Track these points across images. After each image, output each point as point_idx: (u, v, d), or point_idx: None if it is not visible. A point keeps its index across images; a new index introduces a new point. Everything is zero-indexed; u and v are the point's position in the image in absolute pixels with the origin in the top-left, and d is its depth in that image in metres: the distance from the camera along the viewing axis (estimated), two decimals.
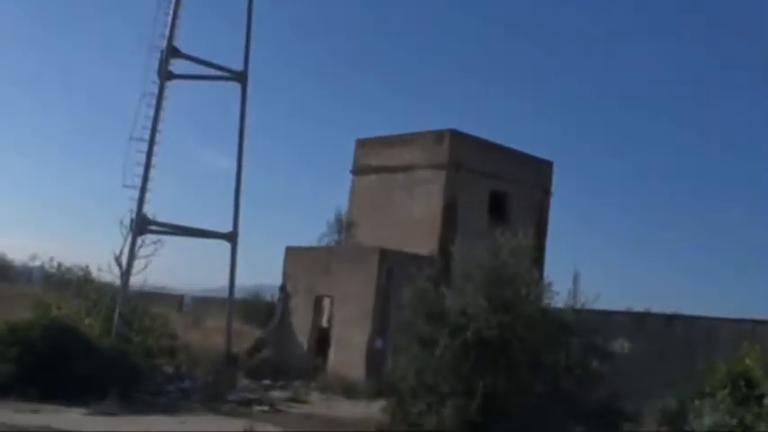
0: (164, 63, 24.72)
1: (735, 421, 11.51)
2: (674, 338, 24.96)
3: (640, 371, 21.40)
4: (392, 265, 28.80)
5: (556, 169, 37.82)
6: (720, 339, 23.10)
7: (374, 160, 35.87)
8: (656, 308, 30.68)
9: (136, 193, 24.00)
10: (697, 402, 12.67)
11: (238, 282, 27.40)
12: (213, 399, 22.06)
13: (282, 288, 32.63)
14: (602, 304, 19.55)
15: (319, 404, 23.54)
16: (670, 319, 26.58)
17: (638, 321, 26.57)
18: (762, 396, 11.43)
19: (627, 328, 23.86)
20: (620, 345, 17.88)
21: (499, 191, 34.86)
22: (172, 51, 24.93)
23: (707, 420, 11.81)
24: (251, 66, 26.61)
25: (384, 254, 29.44)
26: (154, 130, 24.39)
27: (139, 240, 24.56)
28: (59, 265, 42.85)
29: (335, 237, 37.42)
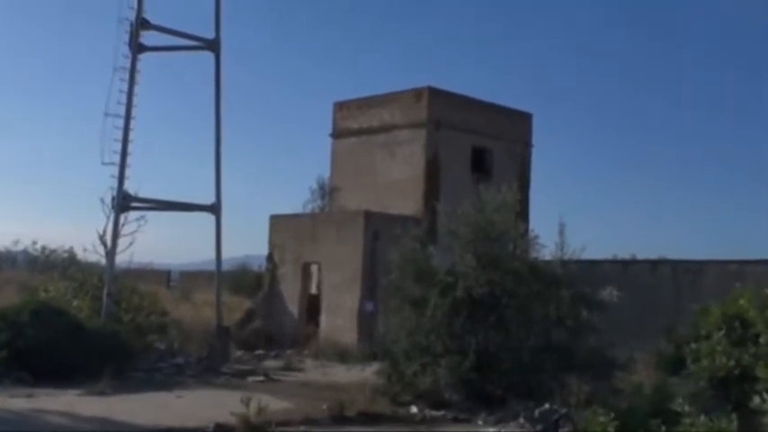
0: (134, 36, 24.32)
1: (732, 362, 11.59)
2: (661, 284, 25.16)
3: (630, 318, 21.55)
4: (378, 227, 28.73)
5: (535, 121, 37.75)
6: (707, 282, 23.30)
7: (353, 123, 35.62)
8: (643, 254, 31.00)
9: (116, 170, 23.80)
10: (693, 346, 12.73)
11: (226, 254, 27.33)
12: (207, 372, 22.08)
13: (269, 257, 32.54)
14: (589, 254, 19.68)
15: (314, 371, 23.58)
16: (656, 264, 26.77)
17: (625, 269, 26.75)
18: (757, 336, 11.50)
19: (614, 276, 23.98)
20: (609, 293, 17.94)
21: (480, 146, 34.73)
22: (141, 23, 24.51)
23: (705, 363, 11.89)
24: (222, 34, 26.24)
25: (369, 216, 29.36)
26: (129, 105, 24.07)
27: (122, 218, 24.35)
28: (43, 248, 42.86)
29: (319, 202, 37.33)
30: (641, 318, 22.42)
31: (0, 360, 18.93)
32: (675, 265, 25.76)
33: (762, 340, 11.65)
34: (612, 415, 9.13)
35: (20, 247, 44.69)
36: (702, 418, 8.11)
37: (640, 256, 29.87)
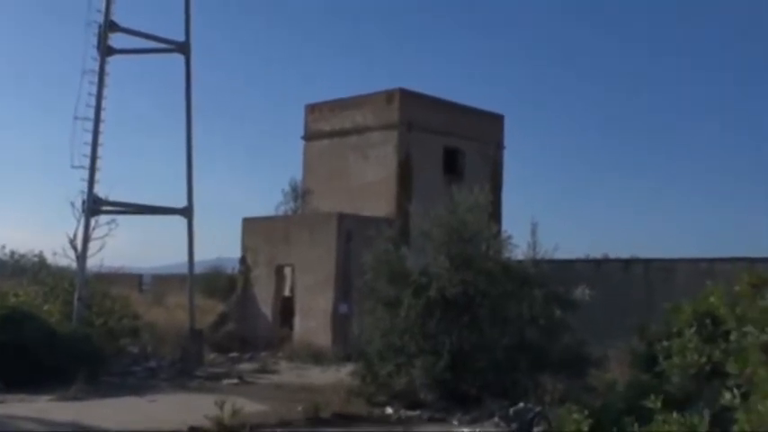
0: (103, 38, 24.13)
1: (704, 359, 11.68)
2: (633, 282, 25.38)
3: (602, 316, 21.72)
4: (351, 229, 28.72)
5: (507, 122, 37.94)
6: (678, 280, 23.53)
7: (325, 125, 35.59)
8: (615, 253, 31.29)
9: (86, 174, 23.60)
10: (665, 343, 12.84)
11: (198, 256, 27.17)
12: (181, 376, 21.95)
13: (243, 260, 32.42)
14: (562, 253, 19.82)
15: (288, 373, 23.53)
16: (627, 263, 27.00)
17: (597, 268, 26.96)
18: (728, 332, 11.60)
19: (587, 275, 24.15)
20: (582, 292, 18.09)
21: (452, 147, 34.83)
22: (110, 26, 24.32)
23: (676, 360, 11.98)
24: (193, 36, 26.08)
25: (342, 218, 29.35)
26: (98, 108, 23.89)
27: (93, 221, 24.14)
28: (12, 252, 42.29)
29: (292, 205, 37.23)
30: (614, 316, 22.58)
31: None
32: (647, 263, 26.01)
33: (732, 337, 11.75)
34: (586, 413, 9.16)
35: None
36: (675, 414, 8.17)
37: (612, 255, 30.18)
